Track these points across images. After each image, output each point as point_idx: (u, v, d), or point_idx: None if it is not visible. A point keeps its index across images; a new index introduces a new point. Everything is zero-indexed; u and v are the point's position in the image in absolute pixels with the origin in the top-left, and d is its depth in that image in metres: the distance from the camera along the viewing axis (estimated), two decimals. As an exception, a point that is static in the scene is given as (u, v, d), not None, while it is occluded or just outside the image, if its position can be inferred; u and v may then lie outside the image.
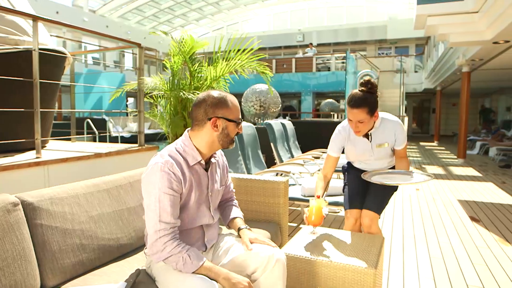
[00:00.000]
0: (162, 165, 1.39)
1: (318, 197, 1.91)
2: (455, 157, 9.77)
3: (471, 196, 5.27)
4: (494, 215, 4.26)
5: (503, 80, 11.71)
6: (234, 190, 1.87)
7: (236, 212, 1.76)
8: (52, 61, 2.88)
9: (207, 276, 1.34)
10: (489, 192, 5.52)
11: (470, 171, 7.61)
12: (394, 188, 2.36)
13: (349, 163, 2.58)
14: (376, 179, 2.06)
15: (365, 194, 2.37)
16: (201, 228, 1.59)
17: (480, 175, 7.17)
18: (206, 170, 1.56)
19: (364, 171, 2.30)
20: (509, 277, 2.61)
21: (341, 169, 4.89)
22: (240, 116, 1.54)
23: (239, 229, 1.64)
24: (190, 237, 1.54)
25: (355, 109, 2.04)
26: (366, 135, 2.23)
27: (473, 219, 4.09)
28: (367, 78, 2.10)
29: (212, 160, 1.58)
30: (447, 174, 7.25)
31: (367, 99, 2.04)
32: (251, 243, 1.54)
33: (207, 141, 1.50)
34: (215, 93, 1.50)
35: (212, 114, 1.46)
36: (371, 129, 2.20)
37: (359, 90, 2.07)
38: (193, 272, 1.34)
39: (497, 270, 2.74)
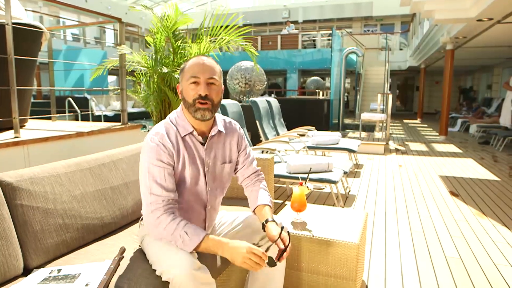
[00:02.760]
0: (152, 136, 1.37)
1: (301, 184, 1.93)
2: (437, 134, 9.97)
3: (451, 171, 5.42)
4: (473, 189, 4.40)
5: (485, 58, 11.87)
6: (259, 168, 1.69)
7: (264, 197, 1.57)
8: (28, 37, 2.76)
9: (208, 252, 1.28)
10: (469, 168, 5.68)
11: (451, 148, 7.80)
12: None
13: None
14: None
15: None
16: (203, 210, 1.50)
17: (460, 151, 7.35)
18: (203, 144, 1.46)
19: None
20: (484, 248, 2.73)
21: (328, 146, 4.93)
22: (198, 75, 1.37)
23: (266, 221, 1.47)
24: (190, 218, 1.45)
25: None
26: None
27: (452, 193, 4.22)
28: None
29: (212, 133, 1.47)
30: (429, 150, 7.41)
31: None
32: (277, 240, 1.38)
33: (185, 112, 1.45)
34: None
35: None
36: None
37: None
38: (194, 249, 1.27)
39: (473, 241, 2.85)
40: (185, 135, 1.42)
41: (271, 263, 1.28)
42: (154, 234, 1.34)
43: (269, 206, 1.55)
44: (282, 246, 1.35)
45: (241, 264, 1.23)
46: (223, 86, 1.49)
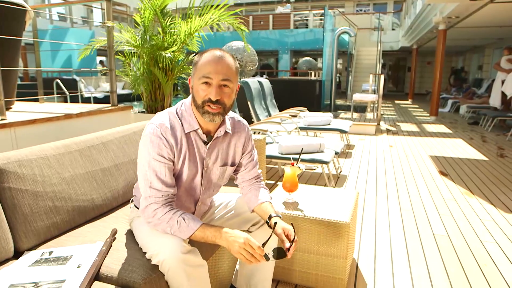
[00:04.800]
0: (156, 128, 1.29)
1: (293, 164, 1.93)
2: (428, 114, 10.04)
3: (441, 151, 5.48)
4: (461, 169, 4.47)
5: (477, 39, 11.86)
6: (260, 172, 1.60)
7: (264, 195, 1.50)
8: (10, 15, 2.67)
9: (204, 241, 1.26)
10: (458, 148, 5.76)
11: (441, 128, 7.87)
12: None
13: None
14: None
15: None
16: (193, 206, 1.48)
17: (450, 131, 7.43)
18: (206, 143, 1.38)
19: None
20: (471, 225, 2.79)
21: (320, 127, 4.95)
22: (211, 75, 1.25)
23: (269, 217, 1.40)
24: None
25: None
26: None
27: (442, 173, 4.28)
28: None
29: (218, 134, 1.39)
30: (419, 131, 7.48)
31: None
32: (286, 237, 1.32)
33: (194, 108, 1.34)
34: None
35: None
36: None
37: None
38: (189, 237, 1.25)
39: (461, 219, 2.92)
40: (189, 132, 1.35)
41: (266, 258, 1.24)
42: (149, 223, 1.31)
43: (270, 202, 1.48)
44: (288, 245, 1.29)
45: (237, 254, 1.20)
46: (238, 85, 1.36)
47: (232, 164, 1.50)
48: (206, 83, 1.26)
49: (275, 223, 1.35)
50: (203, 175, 1.42)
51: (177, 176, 1.37)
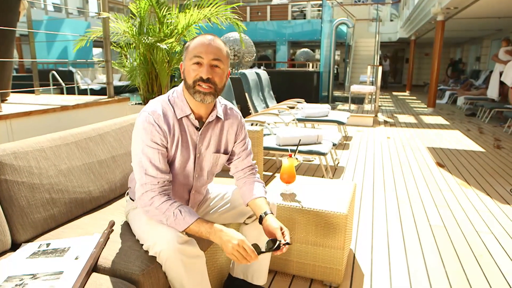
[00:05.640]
0: (148, 115, 1.30)
1: (290, 155, 1.93)
2: (425, 106, 10.05)
3: (438, 143, 5.50)
4: (458, 160, 4.49)
5: (475, 30, 11.81)
6: (254, 162, 1.60)
7: (259, 189, 1.49)
8: (4, 5, 2.63)
9: (198, 235, 1.26)
10: (455, 139, 5.77)
11: (439, 120, 7.88)
12: None
13: None
14: None
15: None
16: (187, 194, 1.48)
17: (447, 123, 7.44)
18: (198, 129, 1.39)
19: None
20: (467, 216, 2.81)
21: (318, 118, 4.93)
22: (202, 55, 1.27)
23: (265, 213, 1.40)
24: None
25: None
26: None
27: (439, 164, 4.30)
28: None
29: (209, 118, 1.39)
30: (417, 122, 7.49)
31: None
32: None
33: (185, 93, 1.36)
34: None
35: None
36: None
37: None
38: (184, 230, 1.25)
39: (457, 210, 2.94)
40: (181, 117, 1.35)
41: (259, 252, 1.24)
42: (145, 211, 1.31)
43: (264, 198, 1.48)
44: (283, 241, 1.30)
45: (229, 254, 1.21)
46: (229, 69, 1.38)
47: (225, 152, 1.50)
48: (198, 63, 1.28)
49: (269, 221, 1.36)
50: (196, 162, 1.42)
51: (170, 163, 1.38)
